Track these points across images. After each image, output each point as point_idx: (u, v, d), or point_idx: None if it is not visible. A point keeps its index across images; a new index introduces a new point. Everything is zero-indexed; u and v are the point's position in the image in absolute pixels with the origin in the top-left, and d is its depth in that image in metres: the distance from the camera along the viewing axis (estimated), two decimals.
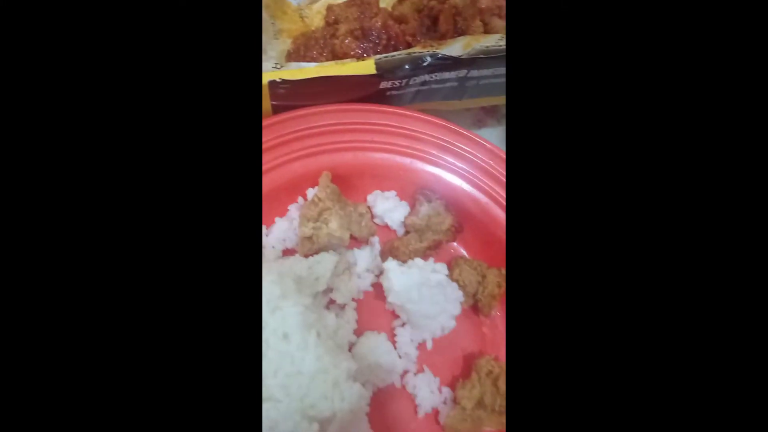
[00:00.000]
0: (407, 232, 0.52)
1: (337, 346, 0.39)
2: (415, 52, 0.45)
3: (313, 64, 0.44)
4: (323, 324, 0.39)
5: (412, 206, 0.52)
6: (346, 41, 0.50)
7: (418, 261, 0.48)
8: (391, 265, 0.45)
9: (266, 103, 0.45)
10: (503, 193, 0.50)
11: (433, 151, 0.51)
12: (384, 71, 0.45)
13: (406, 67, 0.45)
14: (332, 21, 0.55)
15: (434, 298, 0.44)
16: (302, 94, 0.45)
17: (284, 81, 0.41)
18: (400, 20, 0.55)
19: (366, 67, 0.44)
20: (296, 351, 0.35)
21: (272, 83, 0.41)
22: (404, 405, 0.46)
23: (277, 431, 0.35)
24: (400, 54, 0.45)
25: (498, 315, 0.50)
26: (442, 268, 0.46)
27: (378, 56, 0.44)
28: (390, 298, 0.45)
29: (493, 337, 0.49)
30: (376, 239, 0.51)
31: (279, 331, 0.36)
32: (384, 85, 0.47)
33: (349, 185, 0.51)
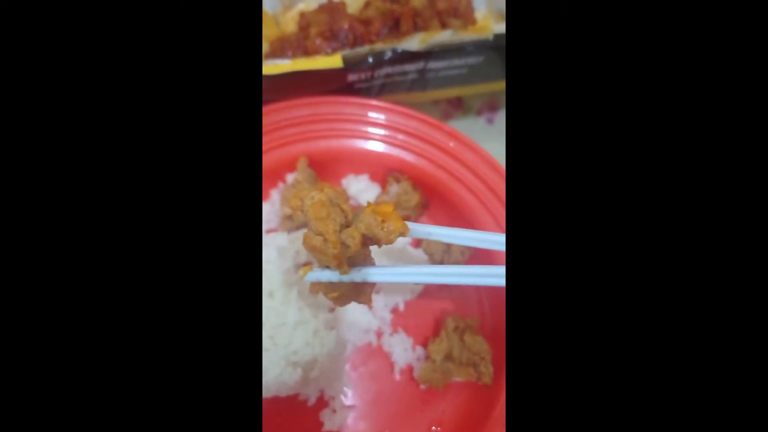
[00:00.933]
0: None
1: (314, 303, 0.44)
2: (376, 48, 0.51)
3: (287, 61, 0.50)
4: (304, 285, 0.44)
5: (383, 187, 0.58)
6: (317, 41, 0.56)
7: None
8: None
9: None
10: (464, 172, 0.56)
11: (400, 137, 0.57)
12: (350, 64, 0.51)
13: (370, 60, 0.51)
14: (305, 25, 0.61)
15: (402, 263, 0.50)
16: (279, 89, 0.51)
17: (265, 77, 0.47)
18: (365, 22, 0.61)
19: (334, 61, 0.50)
20: (280, 305, 0.40)
21: None
22: (381, 363, 0.51)
23: (266, 377, 0.39)
24: (364, 49, 0.51)
25: None
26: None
27: (345, 51, 0.50)
28: None
29: (458, 300, 0.55)
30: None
31: (265, 290, 0.41)
32: (351, 78, 0.53)
33: (324, 170, 0.57)
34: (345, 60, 0.50)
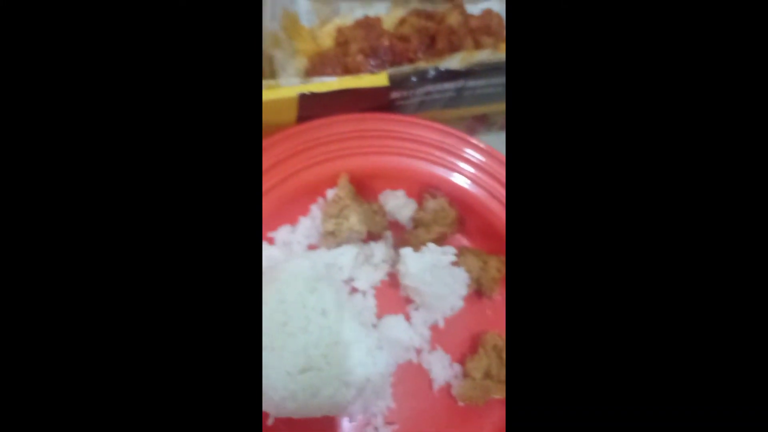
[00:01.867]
0: (416, 227, 0.58)
1: (364, 322, 0.44)
2: (420, 67, 0.52)
3: (333, 78, 0.50)
4: (353, 303, 0.44)
5: (420, 203, 0.58)
6: (358, 58, 0.56)
7: (431, 246, 0.53)
8: (406, 251, 0.51)
9: (293, 114, 0.52)
10: (500, 190, 0.57)
11: (437, 153, 0.58)
12: (395, 83, 0.51)
13: (413, 79, 0.52)
14: (342, 41, 0.62)
15: (444, 280, 0.50)
16: (324, 105, 0.51)
17: (312, 93, 0.47)
18: (403, 39, 0.62)
19: (380, 79, 0.50)
20: (334, 324, 0.41)
21: (302, 95, 0.48)
22: (421, 380, 0.51)
23: (319, 397, 0.40)
24: (408, 68, 0.52)
25: (499, 297, 0.56)
26: (450, 250, 0.52)
27: (390, 70, 0.51)
28: (405, 281, 0.51)
29: (496, 317, 0.55)
30: (388, 233, 0.57)
31: (318, 308, 0.41)
32: (394, 95, 0.54)
33: (362, 185, 0.57)
34: (391, 79, 0.51)
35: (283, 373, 0.39)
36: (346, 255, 0.51)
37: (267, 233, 0.54)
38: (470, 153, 0.58)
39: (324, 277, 0.43)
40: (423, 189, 0.58)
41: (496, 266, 0.55)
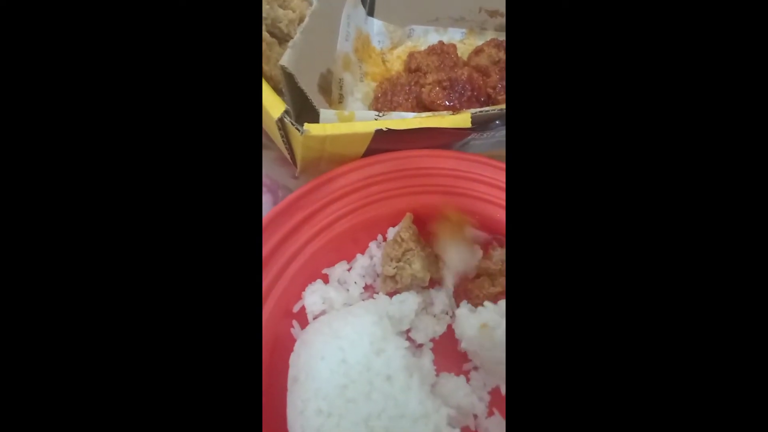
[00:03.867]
0: (478, 276, 0.54)
1: (430, 390, 0.40)
2: (504, 109, 0.48)
3: (412, 115, 0.47)
4: (419, 366, 0.40)
5: (486, 251, 0.54)
6: (434, 91, 0.52)
7: (489, 305, 0.49)
8: (463, 311, 0.47)
9: (363, 148, 0.48)
10: None
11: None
12: (478, 125, 0.47)
13: (497, 122, 0.48)
14: (414, 68, 0.58)
15: (498, 341, 0.45)
16: (397, 141, 0.47)
17: (390, 130, 0.44)
18: (481, 71, 0.58)
19: (463, 120, 0.46)
20: (399, 393, 0.37)
21: (379, 132, 0.44)
22: None
23: None
24: (494, 109, 0.47)
25: None
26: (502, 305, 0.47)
27: (474, 110, 0.47)
28: (463, 345, 0.47)
29: None
30: (450, 282, 0.53)
31: (383, 373, 0.37)
32: (472, 135, 0.50)
33: (425, 227, 0.53)
34: (474, 121, 0.46)
35: None
36: (408, 304, 0.47)
37: (323, 269, 0.50)
38: None
39: (391, 337, 0.39)
40: (491, 236, 0.54)
41: None
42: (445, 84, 0.53)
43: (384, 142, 0.47)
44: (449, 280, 0.45)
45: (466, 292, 0.52)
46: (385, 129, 0.43)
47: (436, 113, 0.47)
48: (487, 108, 0.48)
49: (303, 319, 0.46)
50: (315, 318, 0.46)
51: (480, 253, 0.54)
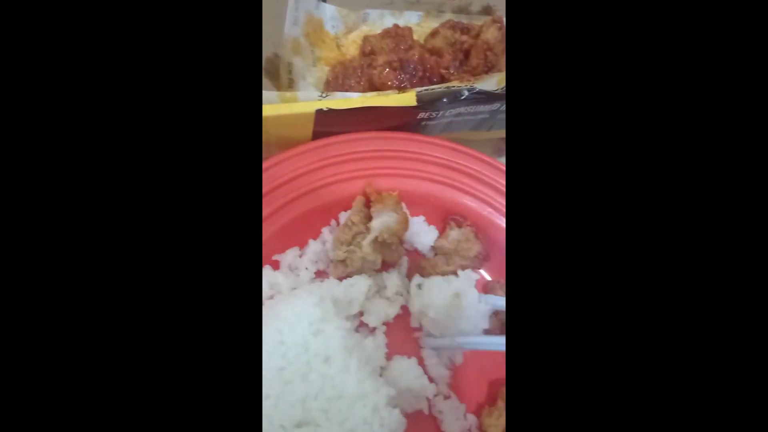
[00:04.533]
0: (436, 255, 0.53)
1: (372, 371, 0.39)
2: (453, 86, 0.47)
3: (356, 94, 0.46)
4: (361, 347, 0.40)
5: (441, 231, 0.53)
6: (384, 72, 0.52)
7: (463, 273, 0.48)
8: (436, 280, 0.46)
9: (308, 129, 0.47)
10: None
11: (464, 180, 0.53)
12: (424, 103, 0.46)
13: (444, 100, 0.47)
14: (368, 51, 0.58)
15: (465, 311, 0.45)
16: (344, 122, 0.47)
17: (331, 110, 0.43)
18: (435, 53, 0.57)
19: (408, 99, 0.45)
20: (338, 374, 0.36)
21: (319, 112, 0.43)
22: (430, 431, 0.46)
23: None
24: (440, 87, 0.47)
25: None
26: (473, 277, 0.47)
27: (419, 89, 0.46)
28: (431, 315, 0.46)
29: None
30: (405, 261, 0.52)
31: (321, 354, 0.36)
32: (421, 115, 0.49)
33: None
34: (420, 99, 0.46)
35: (277, 426, 0.34)
36: (358, 287, 0.46)
37: (272, 255, 0.49)
38: (500, 181, 0.53)
39: (332, 317, 0.38)
40: (446, 217, 0.54)
41: None
42: (395, 65, 0.52)
43: (329, 123, 0.47)
44: (367, 240, 0.45)
45: (420, 269, 0.51)
46: (326, 109, 0.43)
47: (381, 93, 0.47)
48: (433, 86, 0.47)
49: None
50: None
51: (436, 232, 0.54)
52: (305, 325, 0.37)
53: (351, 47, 0.61)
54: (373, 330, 0.48)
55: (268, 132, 0.46)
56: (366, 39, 0.59)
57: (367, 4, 0.62)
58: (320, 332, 0.37)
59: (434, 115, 0.50)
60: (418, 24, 0.63)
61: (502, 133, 0.61)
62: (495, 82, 0.49)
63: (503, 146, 0.68)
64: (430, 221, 0.54)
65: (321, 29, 0.59)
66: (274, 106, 0.43)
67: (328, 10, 0.60)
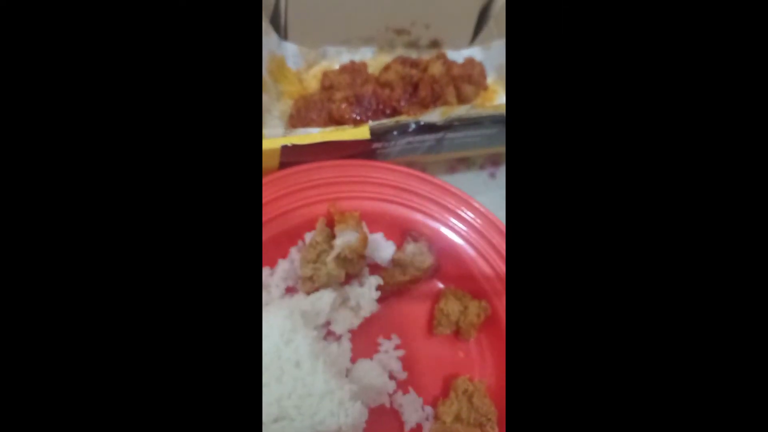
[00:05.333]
0: (394, 266, 0.60)
1: (338, 372, 0.46)
2: (401, 120, 0.54)
3: (316, 130, 0.52)
4: (327, 352, 0.46)
5: (399, 245, 0.60)
6: (342, 106, 0.58)
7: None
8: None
9: (275, 161, 0.53)
10: (474, 236, 0.59)
11: (416, 200, 0.60)
12: (376, 136, 0.53)
13: (395, 132, 0.54)
14: (327, 86, 0.64)
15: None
16: (306, 153, 0.53)
17: (294, 145, 0.49)
18: (386, 85, 0.64)
19: (362, 132, 0.52)
20: (307, 376, 0.42)
21: (284, 147, 0.49)
22: (392, 422, 0.53)
23: None
24: (390, 121, 0.54)
25: (473, 341, 0.58)
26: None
27: (372, 122, 0.53)
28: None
29: (468, 360, 0.57)
30: (366, 272, 0.59)
31: (292, 360, 0.42)
32: (375, 145, 0.56)
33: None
34: (372, 132, 0.53)
35: None
36: (324, 300, 0.52)
37: None
38: (447, 200, 0.60)
39: (300, 328, 0.44)
40: (404, 233, 0.60)
41: (476, 311, 0.57)
42: (351, 100, 0.59)
43: (294, 155, 0.53)
44: (330, 257, 0.52)
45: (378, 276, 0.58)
46: (289, 144, 0.49)
47: (338, 127, 0.53)
48: (384, 120, 0.54)
49: None
50: None
51: (394, 247, 0.60)
52: (277, 336, 0.43)
53: (312, 81, 0.67)
54: (339, 337, 0.54)
55: None
56: (325, 74, 0.65)
57: (327, 41, 0.68)
58: (291, 341, 0.43)
59: (387, 145, 0.57)
60: (372, 59, 0.70)
61: (453, 155, 0.69)
62: (438, 114, 0.56)
63: (455, 164, 0.76)
64: (388, 237, 0.61)
65: (283, 66, 0.65)
66: None
67: (290, 48, 0.66)
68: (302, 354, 0.43)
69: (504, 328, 0.55)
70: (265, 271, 0.55)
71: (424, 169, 0.66)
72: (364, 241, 0.55)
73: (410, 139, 0.57)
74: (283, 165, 0.55)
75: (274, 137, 0.51)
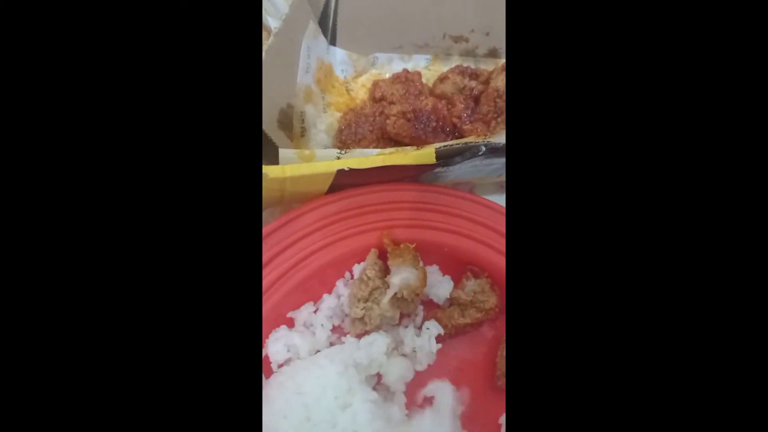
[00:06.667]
0: (451, 305, 0.53)
1: None
2: (470, 142, 0.47)
3: (375, 151, 0.45)
4: (388, 417, 0.39)
5: (457, 281, 0.53)
6: (399, 122, 0.52)
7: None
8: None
9: (326, 186, 0.46)
10: None
11: (477, 229, 0.53)
12: (443, 160, 0.46)
13: (458, 158, 0.47)
14: (379, 97, 0.57)
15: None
16: (362, 177, 0.46)
17: (352, 170, 0.42)
18: (443, 97, 0.57)
19: (427, 156, 0.45)
20: None
21: (340, 172, 0.43)
22: None
23: None
24: (458, 143, 0.47)
25: None
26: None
27: (438, 145, 0.46)
28: None
29: None
30: (420, 311, 0.52)
31: (349, 429, 0.35)
32: (438, 169, 0.49)
33: None
34: (438, 155, 0.46)
35: None
36: (377, 346, 0.45)
37: (287, 313, 0.48)
38: None
39: (357, 388, 0.37)
40: (462, 267, 0.53)
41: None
42: (409, 116, 0.52)
43: (348, 178, 0.46)
44: (386, 298, 0.45)
45: (435, 320, 0.51)
46: (347, 169, 0.42)
47: (399, 149, 0.46)
48: (451, 142, 0.47)
49: (267, 368, 0.44)
50: (279, 367, 0.44)
51: (451, 283, 0.53)
52: (331, 399, 0.36)
53: (360, 91, 0.60)
54: (393, 393, 0.47)
55: (285, 190, 0.45)
56: (376, 84, 0.58)
57: (377, 47, 0.62)
58: (348, 406, 0.36)
59: (449, 169, 0.50)
60: (427, 68, 0.63)
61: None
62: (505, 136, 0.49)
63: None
64: (444, 271, 0.54)
65: (331, 74, 0.59)
66: (294, 166, 0.42)
67: (338, 54, 0.60)
68: (361, 423, 0.36)
69: None
70: (309, 307, 0.49)
71: (472, 190, 0.59)
72: (424, 280, 0.48)
73: (477, 162, 0.50)
74: (332, 188, 0.48)
75: (326, 159, 0.44)
